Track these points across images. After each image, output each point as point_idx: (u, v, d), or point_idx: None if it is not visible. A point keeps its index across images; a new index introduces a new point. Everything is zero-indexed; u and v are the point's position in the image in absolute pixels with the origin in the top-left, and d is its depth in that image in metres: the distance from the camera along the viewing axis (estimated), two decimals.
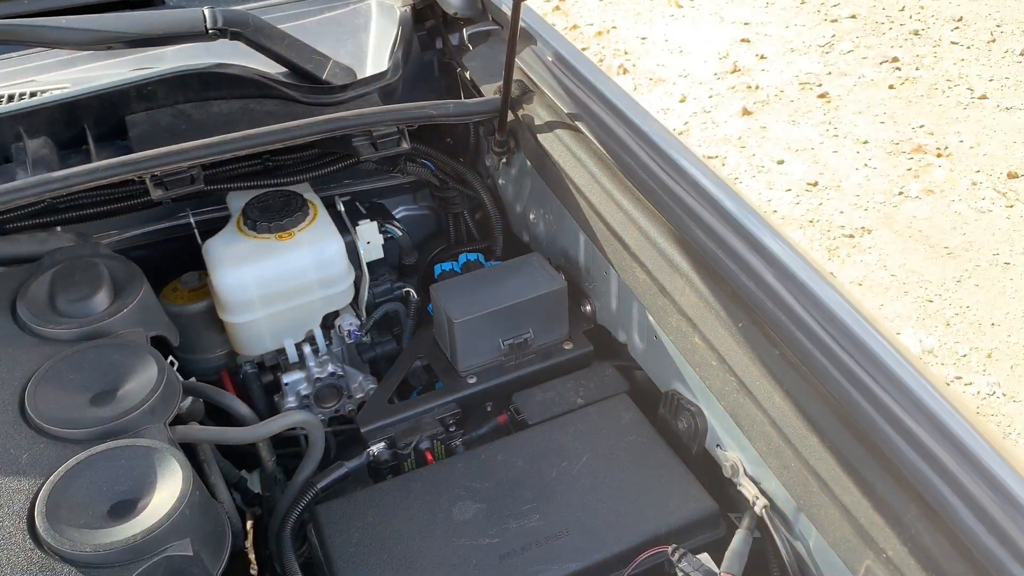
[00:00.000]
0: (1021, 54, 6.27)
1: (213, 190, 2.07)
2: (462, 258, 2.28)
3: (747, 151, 5.52)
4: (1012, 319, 4.25)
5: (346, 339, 2.14)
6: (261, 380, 2.15)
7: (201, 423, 1.82)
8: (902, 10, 7.03)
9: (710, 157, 5.45)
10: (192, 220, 2.17)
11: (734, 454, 1.64)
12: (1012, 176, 5.11)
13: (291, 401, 2.10)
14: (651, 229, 1.74)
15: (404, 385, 2.08)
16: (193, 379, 1.96)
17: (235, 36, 2.05)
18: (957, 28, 6.65)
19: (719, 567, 1.53)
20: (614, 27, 7.02)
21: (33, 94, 2.09)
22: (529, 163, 2.15)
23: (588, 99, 1.95)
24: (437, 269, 2.26)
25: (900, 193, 5.08)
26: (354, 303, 2.20)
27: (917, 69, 6.34)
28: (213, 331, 2.13)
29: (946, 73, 6.24)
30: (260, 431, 1.76)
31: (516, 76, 2.13)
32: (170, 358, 1.91)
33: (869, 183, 5.18)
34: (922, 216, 4.92)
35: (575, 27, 7.07)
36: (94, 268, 1.82)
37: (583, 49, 6.14)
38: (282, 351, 2.14)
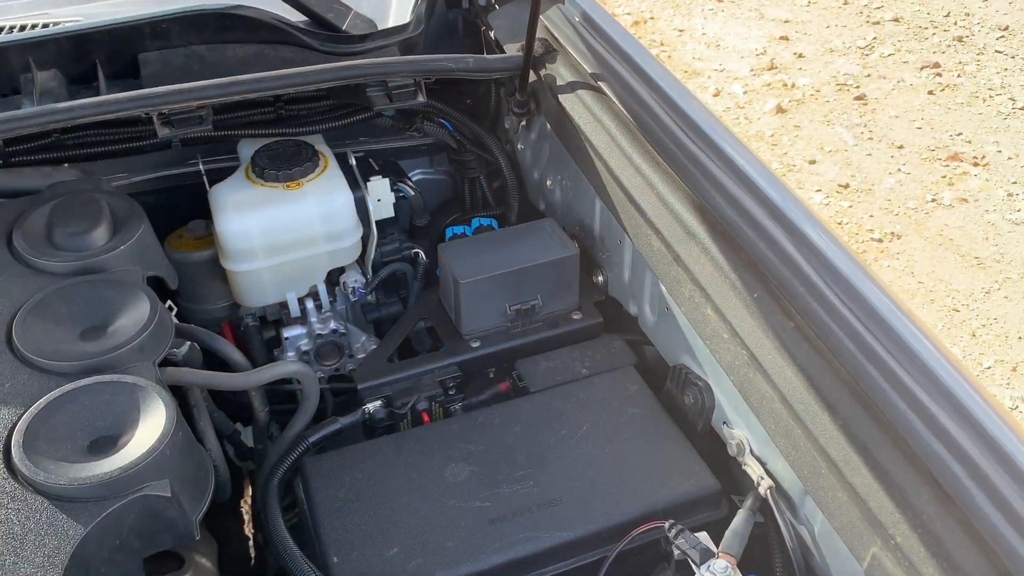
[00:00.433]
0: None
1: (222, 135, 2.03)
2: (475, 222, 2.22)
3: (779, 149, 5.42)
4: None
5: (350, 296, 2.09)
6: (262, 334, 2.10)
7: None
8: (947, 16, 6.89)
9: None
10: (202, 167, 2.12)
11: (741, 432, 1.57)
12: None
13: (291, 356, 2.05)
14: (669, 194, 1.67)
15: (407, 348, 2.02)
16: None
17: None
18: (1003, 37, 6.50)
19: (717, 547, 1.46)
20: (652, 18, 6.93)
21: (45, 25, 2.04)
22: (549, 126, 2.08)
23: (613, 60, 1.88)
24: (448, 232, 2.20)
25: (933, 200, 4.96)
26: (360, 260, 2.14)
27: (959, 76, 6.21)
28: (216, 281, 2.09)
29: (988, 82, 6.11)
30: (251, 379, 1.70)
31: (540, 35, 2.07)
32: (169, 303, 1.86)
33: (902, 188, 5.06)
34: (954, 225, 4.80)
35: (612, 16, 6.98)
36: (94, 203, 1.77)
37: None
38: (284, 306, 2.09)
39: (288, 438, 1.75)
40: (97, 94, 1.94)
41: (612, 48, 1.92)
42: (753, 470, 1.53)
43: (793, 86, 6.02)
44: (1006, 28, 6.59)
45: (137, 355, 1.53)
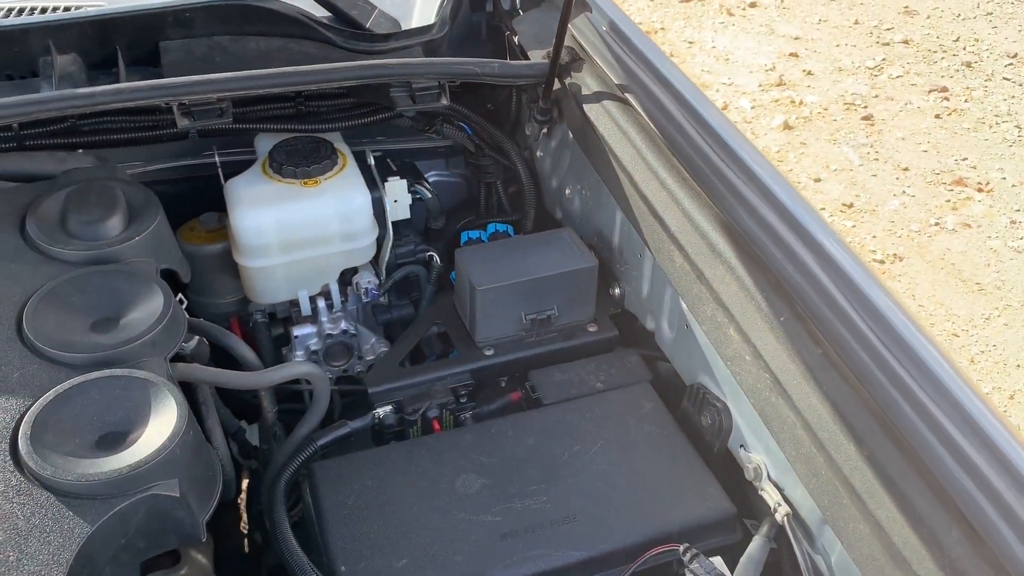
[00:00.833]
0: None
1: (242, 129, 2.00)
2: (490, 228, 2.19)
3: (784, 166, 5.40)
4: None
5: (363, 297, 2.06)
6: (271, 331, 2.07)
7: None
8: (956, 40, 6.90)
9: None
10: (217, 159, 2.09)
11: (758, 456, 1.55)
12: None
13: (300, 355, 2.02)
14: (694, 211, 1.65)
15: (417, 353, 2.00)
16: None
17: None
18: (1011, 65, 6.51)
19: (731, 573, 1.44)
20: (662, 28, 6.92)
21: (67, 9, 2.01)
22: (571, 135, 2.06)
23: (641, 71, 1.86)
24: (464, 236, 2.17)
25: (936, 224, 4.96)
26: (374, 261, 2.11)
27: (966, 101, 6.22)
28: (227, 275, 2.06)
29: (995, 108, 6.12)
30: (263, 378, 1.68)
31: (567, 43, 2.04)
32: (179, 296, 1.83)
33: (905, 211, 5.06)
34: (956, 249, 4.80)
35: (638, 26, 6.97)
36: (110, 191, 1.74)
37: None
38: (295, 304, 2.06)
39: (295, 439, 1.72)
40: (116, 80, 1.92)
41: (639, 59, 1.90)
42: (770, 496, 1.50)
43: (801, 103, 6.01)
44: (1015, 56, 6.60)
45: (149, 350, 1.50)
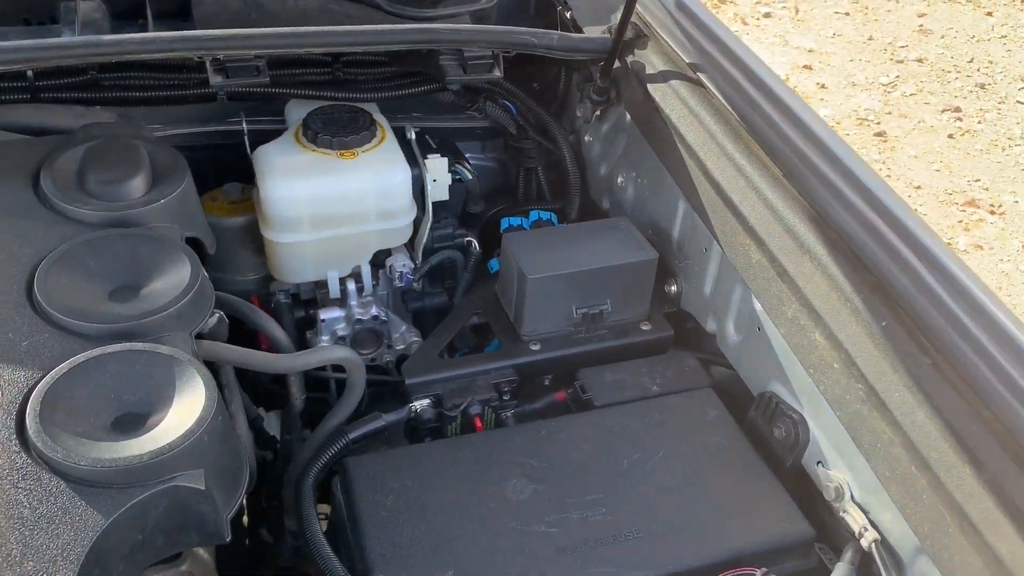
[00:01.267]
0: None
1: (276, 93, 1.85)
2: (533, 215, 2.04)
3: None
4: None
5: (396, 282, 1.90)
6: (293, 313, 1.92)
7: None
8: (970, 62, 6.83)
9: None
10: (245, 126, 1.93)
11: (841, 475, 1.41)
12: None
13: (325, 340, 1.86)
14: (779, 202, 1.50)
15: (448, 345, 1.85)
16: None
17: None
18: None
19: None
20: None
21: None
22: (628, 117, 1.91)
23: (715, 52, 1.72)
24: (504, 223, 2.02)
25: (948, 244, 4.86)
26: (410, 244, 1.96)
27: (979, 123, 6.14)
28: (249, 250, 1.90)
29: (1008, 131, 6.04)
30: (296, 361, 1.52)
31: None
32: None
33: None
34: None
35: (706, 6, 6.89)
36: (134, 150, 1.58)
37: None
38: (321, 285, 1.91)
39: (325, 430, 1.57)
40: (144, 32, 1.76)
41: (712, 39, 1.75)
42: (854, 519, 1.36)
43: None
44: None
45: (173, 323, 1.35)
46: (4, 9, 1.89)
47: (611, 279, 1.72)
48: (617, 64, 1.90)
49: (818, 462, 1.46)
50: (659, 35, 1.85)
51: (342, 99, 1.92)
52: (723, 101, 1.66)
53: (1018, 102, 6.32)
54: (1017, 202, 5.29)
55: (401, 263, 1.90)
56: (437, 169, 1.93)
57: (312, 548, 1.35)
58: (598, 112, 2.01)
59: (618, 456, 1.49)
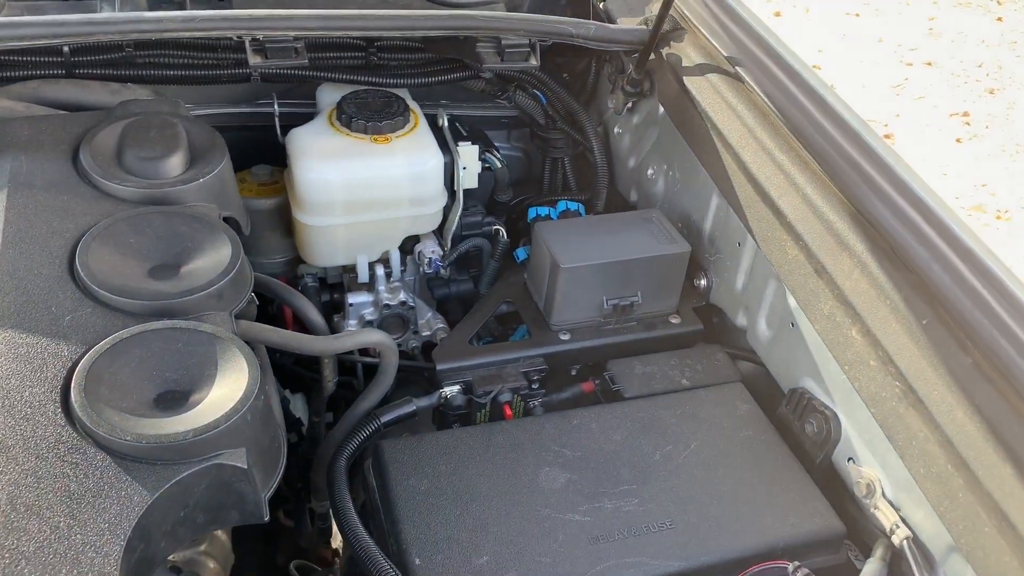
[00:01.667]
0: None
1: (311, 76, 1.84)
2: (561, 205, 2.04)
3: None
4: None
5: (425, 268, 1.90)
6: (320, 297, 1.92)
7: None
8: (979, 67, 6.83)
9: None
10: (276, 108, 1.93)
11: (872, 471, 1.41)
12: None
13: (353, 324, 1.87)
14: (818, 198, 1.51)
15: None
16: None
17: None
18: None
19: None
20: None
21: None
22: (662, 109, 1.91)
23: (754, 46, 1.72)
24: (531, 212, 2.02)
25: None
26: (439, 230, 1.96)
27: (987, 127, 6.15)
28: (277, 233, 1.90)
29: (1016, 137, 6.04)
30: (333, 344, 1.52)
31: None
32: None
33: None
34: None
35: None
36: (172, 128, 1.58)
37: None
38: (349, 269, 1.91)
39: (357, 413, 1.57)
40: (180, 9, 1.75)
41: (750, 33, 1.75)
42: (886, 516, 1.37)
43: None
44: None
45: (213, 302, 1.35)
46: None
47: (643, 271, 1.73)
48: (652, 56, 1.90)
49: (849, 458, 1.46)
50: (696, 28, 1.85)
51: (376, 84, 1.92)
52: (761, 96, 1.66)
53: None
54: None
55: (430, 249, 1.91)
56: (467, 157, 1.93)
57: (346, 530, 1.35)
58: (630, 104, 2.01)
59: (650, 448, 1.49)
